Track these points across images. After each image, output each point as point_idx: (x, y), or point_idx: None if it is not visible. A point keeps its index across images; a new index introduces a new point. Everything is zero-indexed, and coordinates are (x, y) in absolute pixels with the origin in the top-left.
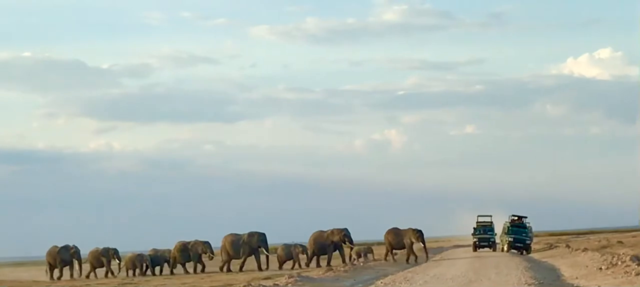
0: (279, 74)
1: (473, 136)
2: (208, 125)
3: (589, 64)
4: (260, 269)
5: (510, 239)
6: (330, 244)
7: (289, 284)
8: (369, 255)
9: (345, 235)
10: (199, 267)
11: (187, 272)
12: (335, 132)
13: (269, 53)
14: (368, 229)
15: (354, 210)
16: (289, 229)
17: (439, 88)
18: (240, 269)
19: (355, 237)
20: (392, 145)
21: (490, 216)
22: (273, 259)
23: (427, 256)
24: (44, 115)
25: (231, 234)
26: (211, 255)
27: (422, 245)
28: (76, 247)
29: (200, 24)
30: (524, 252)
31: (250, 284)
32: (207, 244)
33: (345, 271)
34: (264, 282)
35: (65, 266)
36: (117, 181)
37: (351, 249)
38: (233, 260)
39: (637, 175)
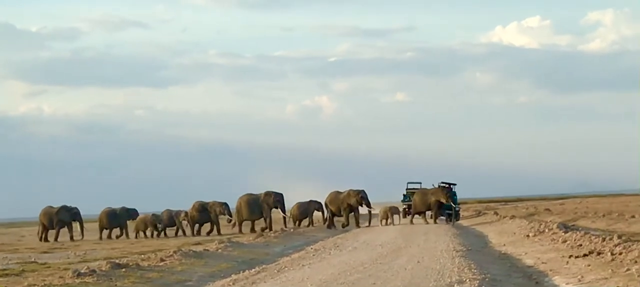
0: (211, 39)
1: (404, 103)
2: (139, 90)
3: (517, 33)
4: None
5: None
6: (346, 206)
7: (219, 250)
8: (395, 215)
9: (362, 197)
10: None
11: (199, 233)
12: (267, 98)
13: (200, 18)
14: (299, 195)
15: (285, 176)
16: (219, 195)
17: (371, 55)
18: (269, 228)
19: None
20: (324, 111)
21: (420, 183)
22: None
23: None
24: None
25: (247, 194)
26: (229, 218)
27: (452, 203)
28: (76, 207)
29: None
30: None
31: (181, 249)
32: (225, 205)
33: (276, 237)
34: (194, 248)
35: (62, 228)
36: (48, 146)
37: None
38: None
39: (562, 144)
